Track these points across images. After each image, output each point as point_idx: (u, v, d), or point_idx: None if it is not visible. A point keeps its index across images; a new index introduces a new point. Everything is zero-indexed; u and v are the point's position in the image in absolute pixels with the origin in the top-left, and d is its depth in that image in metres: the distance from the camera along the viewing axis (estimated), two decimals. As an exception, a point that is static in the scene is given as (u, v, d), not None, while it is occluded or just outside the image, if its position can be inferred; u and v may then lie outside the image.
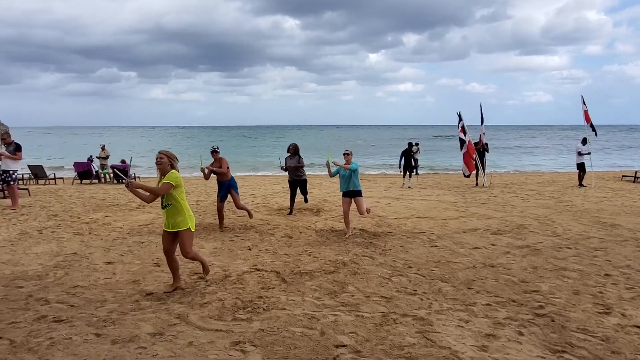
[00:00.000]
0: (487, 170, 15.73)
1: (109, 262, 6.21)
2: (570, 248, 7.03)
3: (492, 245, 7.27)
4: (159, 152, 4.87)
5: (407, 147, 16.26)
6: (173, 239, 4.93)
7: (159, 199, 4.83)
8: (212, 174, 8.35)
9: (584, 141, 15.27)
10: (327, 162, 8.13)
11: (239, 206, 8.59)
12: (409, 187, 15.03)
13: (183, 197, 4.86)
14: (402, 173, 15.75)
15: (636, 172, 17.11)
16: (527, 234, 8.05)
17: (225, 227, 8.60)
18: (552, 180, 17.17)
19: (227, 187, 8.42)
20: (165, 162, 4.79)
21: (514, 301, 4.79)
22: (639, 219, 9.37)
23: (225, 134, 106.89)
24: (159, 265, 6.05)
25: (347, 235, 7.83)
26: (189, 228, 4.89)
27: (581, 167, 15.28)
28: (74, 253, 6.72)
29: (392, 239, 7.70)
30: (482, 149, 15.51)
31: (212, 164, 8.36)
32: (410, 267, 6.07)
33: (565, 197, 12.45)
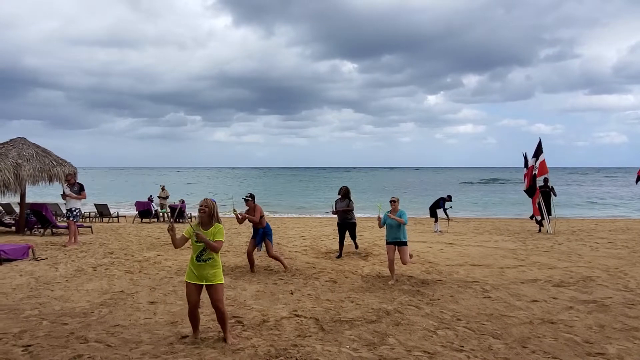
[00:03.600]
0: (552, 216, 14.74)
1: (152, 302, 6.27)
2: (645, 305, 6.28)
3: (554, 298, 6.65)
4: (204, 200, 4.72)
5: (437, 200, 15.73)
6: (201, 292, 4.69)
7: (193, 250, 4.61)
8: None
9: None
10: (379, 215, 7.94)
11: (271, 255, 8.53)
12: (440, 232, 14.47)
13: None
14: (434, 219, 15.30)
15: None
16: (595, 287, 7.32)
17: (271, 270, 8.53)
18: (626, 228, 15.81)
19: (261, 234, 8.45)
20: (208, 212, 4.63)
21: (575, 365, 4.27)
22: None
23: (282, 174, 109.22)
24: (199, 307, 6.01)
25: (390, 283, 7.50)
26: (222, 282, 4.70)
27: None
28: (121, 291, 6.86)
29: (441, 287, 7.26)
30: (547, 190, 14.63)
31: (247, 212, 8.42)
32: (459, 319, 5.64)
33: (640, 247, 11.35)
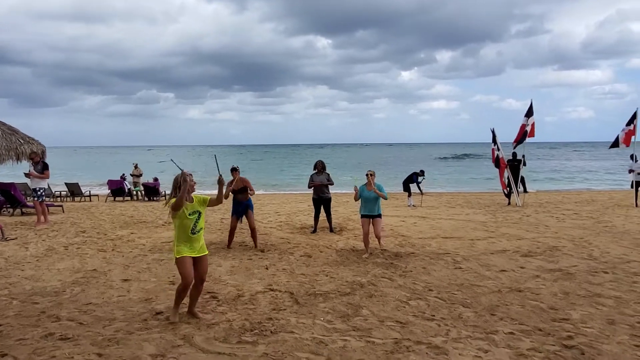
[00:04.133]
0: (520, 188, 15.13)
1: (125, 280, 6.21)
2: (607, 272, 6.55)
3: (521, 268, 6.87)
4: (189, 175, 4.59)
5: (410, 174, 16.00)
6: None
7: (185, 225, 4.51)
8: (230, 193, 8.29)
9: (635, 157, 14.47)
10: (355, 186, 7.97)
11: (252, 225, 8.43)
12: (413, 206, 14.74)
13: None
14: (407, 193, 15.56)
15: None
16: (561, 256, 7.59)
17: (246, 245, 8.53)
18: (591, 199, 16.37)
19: (245, 206, 8.37)
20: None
21: (540, 330, 4.45)
22: (685, 241, 8.71)
23: (257, 151, 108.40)
24: (174, 284, 5.98)
25: (365, 256, 7.60)
26: None
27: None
28: (94, 270, 6.76)
29: (414, 260, 7.41)
30: (516, 163, 14.96)
31: (230, 182, 8.24)
32: (430, 290, 5.78)
33: (604, 218, 11.78)
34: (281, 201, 16.75)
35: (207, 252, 4.71)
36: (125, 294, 5.58)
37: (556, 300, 5.35)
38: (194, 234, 4.55)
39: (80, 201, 18.13)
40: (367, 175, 7.87)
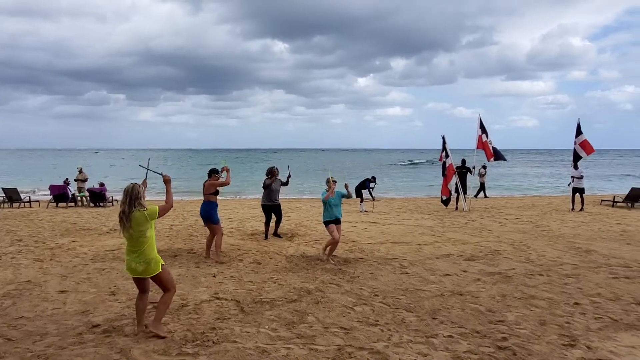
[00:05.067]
0: (467, 194, 15.67)
1: (62, 291, 5.93)
2: (542, 275, 6.90)
3: (464, 272, 7.12)
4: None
5: (363, 181, 16.35)
6: None
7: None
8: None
9: (576, 165, 15.32)
10: (330, 179, 7.90)
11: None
12: (365, 211, 14.98)
13: None
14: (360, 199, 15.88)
15: (614, 197, 17.19)
16: (501, 260, 7.92)
17: (194, 252, 8.36)
18: (532, 205, 17.18)
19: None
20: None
21: (477, 332, 4.62)
22: (614, 244, 9.31)
23: (212, 155, 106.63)
24: (114, 294, 5.79)
25: (333, 262, 7.69)
26: None
27: (582, 191, 15.30)
28: (28, 281, 6.41)
29: (362, 265, 7.51)
30: (464, 170, 15.51)
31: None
32: (376, 295, 5.88)
33: (543, 222, 12.40)
34: (234, 207, 16.52)
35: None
36: (61, 306, 5.32)
37: (494, 303, 5.57)
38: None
39: (19, 207, 17.15)
40: (327, 182, 7.88)
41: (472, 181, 18.46)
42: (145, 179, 4.85)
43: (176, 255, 8.16)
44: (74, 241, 9.58)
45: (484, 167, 20.88)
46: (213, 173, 8.20)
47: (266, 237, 9.95)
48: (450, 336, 4.51)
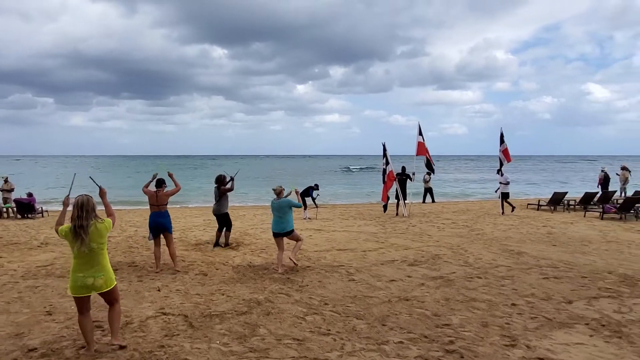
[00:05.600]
0: (407, 200, 16.20)
1: (-10, 313, 5.48)
2: (480, 277, 7.28)
3: (409, 277, 7.35)
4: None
5: (306, 188, 16.67)
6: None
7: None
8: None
9: (501, 172, 16.30)
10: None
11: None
12: (309, 219, 15.15)
13: None
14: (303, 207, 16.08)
15: (539, 201, 18.46)
16: (442, 264, 8.26)
17: (135, 265, 8.02)
18: (466, 209, 18.05)
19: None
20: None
21: (425, 337, 4.80)
22: (542, 246, 9.99)
23: (147, 162, 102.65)
24: (50, 314, 5.43)
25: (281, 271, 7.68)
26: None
27: (507, 196, 16.28)
28: (-51, 303, 5.87)
29: (310, 273, 7.56)
30: (404, 177, 16.03)
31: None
32: (326, 303, 5.93)
33: (477, 226, 13.07)
34: (174, 216, 15.96)
35: None
36: (-10, 329, 4.92)
37: (439, 307, 5.81)
38: None
39: None
40: (274, 190, 7.92)
41: (416, 187, 19.19)
42: (69, 195, 4.58)
43: (116, 269, 7.72)
44: (1, 257, 8.88)
45: (429, 173, 21.81)
46: (163, 183, 7.96)
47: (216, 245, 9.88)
48: (401, 342, 4.65)
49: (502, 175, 16.22)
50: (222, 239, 9.99)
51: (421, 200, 21.83)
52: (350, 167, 78.12)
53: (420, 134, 16.05)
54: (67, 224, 4.27)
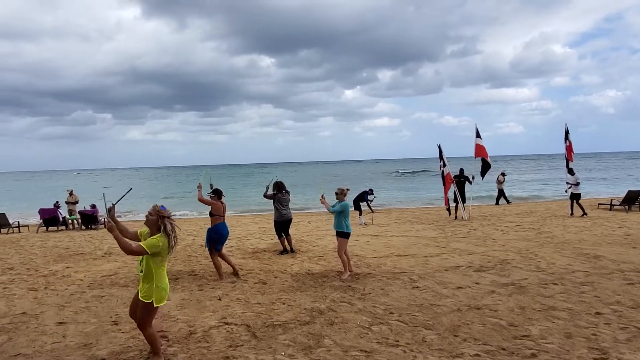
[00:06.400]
0: (466, 203, 15.54)
1: (60, 323, 5.61)
2: (556, 284, 6.73)
3: (476, 284, 6.92)
4: (152, 207, 4.20)
5: (360, 193, 16.26)
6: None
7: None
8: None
9: (572, 171, 15.30)
10: (322, 196, 7.85)
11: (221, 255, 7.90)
12: (365, 224, 14.77)
13: (159, 266, 4.18)
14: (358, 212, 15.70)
15: (612, 200, 17.20)
16: (511, 269, 7.75)
17: (195, 274, 8.08)
18: (530, 211, 17.11)
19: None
20: (153, 220, 4.14)
21: (504, 349, 4.41)
22: (621, 248, 9.20)
23: (201, 173, 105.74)
24: (117, 324, 5.49)
25: (345, 277, 7.46)
26: (152, 302, 4.13)
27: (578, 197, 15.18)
28: (23, 313, 6.09)
29: (371, 280, 7.29)
30: (462, 179, 15.40)
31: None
32: (391, 312, 5.65)
33: (545, 228, 12.29)
34: (230, 224, 16.16)
35: (141, 298, 4.15)
36: (61, 339, 5.02)
37: (514, 316, 5.38)
38: (140, 272, 4.20)
39: (7, 233, 16.68)
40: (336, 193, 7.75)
41: (486, 189, 18.42)
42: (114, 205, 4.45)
43: (177, 278, 7.86)
44: (68, 267, 9.24)
45: (503, 174, 21.08)
46: (222, 194, 7.98)
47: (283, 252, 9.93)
48: (477, 355, 4.30)
49: (573, 174, 15.20)
50: (287, 245, 9.98)
51: (494, 202, 20.96)
52: (400, 170, 76.88)
53: (478, 135, 15.39)
54: (143, 229, 4.27)
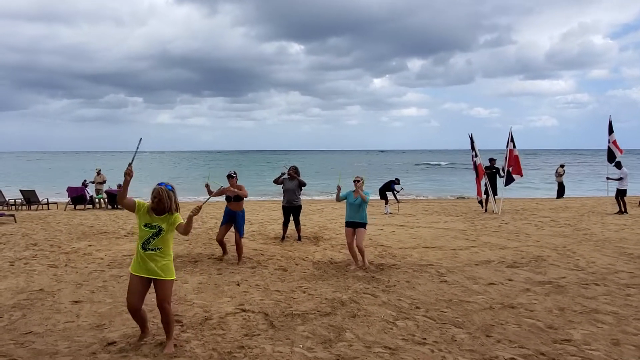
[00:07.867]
0: (497, 196, 14.90)
1: (76, 302, 5.48)
2: (598, 285, 6.23)
3: (510, 280, 6.48)
4: (156, 190, 3.97)
5: (387, 182, 15.75)
6: (147, 288, 4.08)
7: (140, 235, 3.99)
8: (221, 198, 7.74)
9: (619, 165, 14.46)
10: (338, 185, 7.47)
11: (237, 240, 7.67)
12: (390, 214, 14.32)
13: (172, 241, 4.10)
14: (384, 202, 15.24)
15: (653, 198, 16.26)
16: (547, 267, 7.26)
17: (215, 258, 7.89)
18: (565, 206, 16.35)
19: (235, 217, 7.71)
20: (160, 203, 3.95)
21: (543, 354, 4.02)
22: (667, 249, 8.56)
23: (228, 158, 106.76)
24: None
25: (352, 268, 7.10)
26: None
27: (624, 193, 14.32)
28: (41, 289, 5.99)
29: (396, 272, 6.93)
30: (493, 171, 14.74)
31: (226, 189, 7.70)
32: (417, 307, 5.30)
33: (582, 225, 11.64)
34: (253, 209, 16.05)
35: (164, 277, 3.97)
36: (74, 319, 4.87)
37: (553, 318, 4.95)
38: (144, 250, 3.96)
39: (36, 210, 16.99)
40: (354, 182, 7.31)
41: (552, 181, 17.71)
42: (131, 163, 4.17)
43: (197, 261, 7.69)
44: (90, 245, 9.21)
45: (562, 166, 20.32)
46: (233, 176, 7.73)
47: (283, 239, 9.65)
48: (513, 359, 3.92)
49: (620, 168, 14.35)
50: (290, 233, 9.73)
51: (555, 196, 20.14)
52: (432, 162, 75.50)
53: (512, 140, 14.39)
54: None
